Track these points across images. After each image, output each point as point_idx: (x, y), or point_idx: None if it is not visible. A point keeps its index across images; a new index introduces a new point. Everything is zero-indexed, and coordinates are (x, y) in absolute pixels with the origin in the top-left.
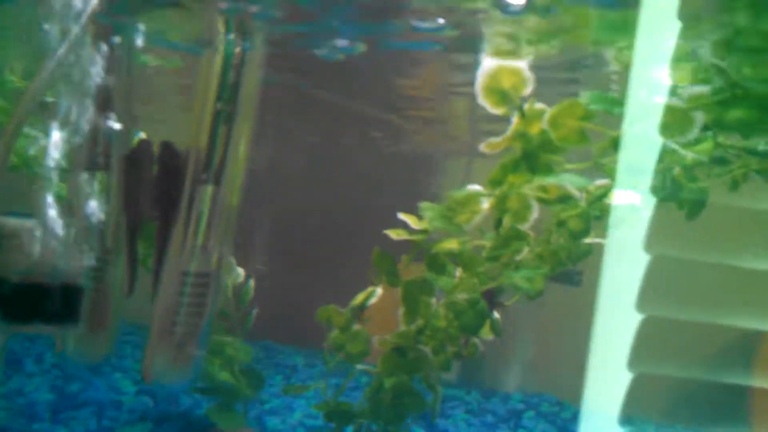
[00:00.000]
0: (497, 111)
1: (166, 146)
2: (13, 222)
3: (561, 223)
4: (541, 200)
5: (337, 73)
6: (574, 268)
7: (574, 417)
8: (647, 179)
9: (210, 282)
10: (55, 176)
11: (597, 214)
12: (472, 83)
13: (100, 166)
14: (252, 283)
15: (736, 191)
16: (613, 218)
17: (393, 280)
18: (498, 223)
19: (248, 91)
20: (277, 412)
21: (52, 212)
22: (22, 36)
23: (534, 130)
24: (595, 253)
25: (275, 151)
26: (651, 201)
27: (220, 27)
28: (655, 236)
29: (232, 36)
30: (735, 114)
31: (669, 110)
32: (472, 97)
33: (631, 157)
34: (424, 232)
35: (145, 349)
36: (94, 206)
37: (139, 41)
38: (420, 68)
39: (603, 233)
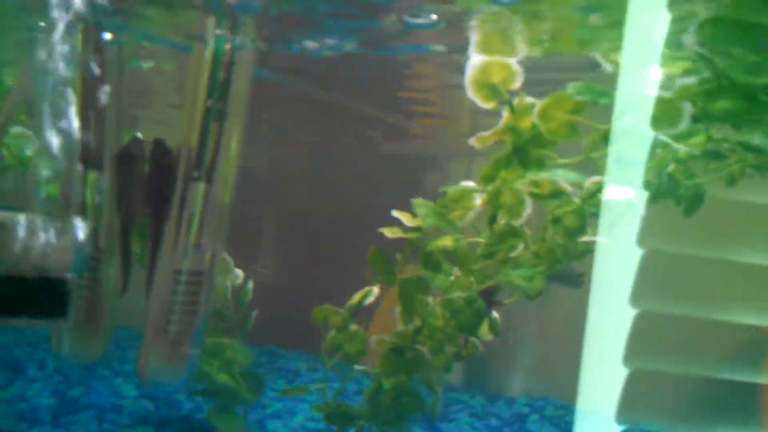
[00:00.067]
0: (487, 105)
1: (158, 144)
2: (0, 215)
3: (556, 220)
4: (534, 196)
5: (337, 72)
6: (574, 270)
7: None
8: (639, 173)
9: (203, 280)
10: (45, 172)
11: (593, 210)
12: None
13: (91, 163)
14: (251, 284)
15: (732, 186)
16: (606, 212)
17: (389, 279)
18: (492, 220)
19: (239, 88)
20: (279, 415)
21: (41, 206)
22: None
23: (524, 124)
24: (595, 254)
25: (275, 151)
26: (643, 195)
27: (210, 23)
28: (649, 231)
29: (219, 31)
30: (722, 104)
31: (658, 102)
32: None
33: (621, 151)
34: (418, 229)
35: (140, 348)
36: (85, 202)
37: (127, 38)
38: (421, 68)
39: (599, 231)
